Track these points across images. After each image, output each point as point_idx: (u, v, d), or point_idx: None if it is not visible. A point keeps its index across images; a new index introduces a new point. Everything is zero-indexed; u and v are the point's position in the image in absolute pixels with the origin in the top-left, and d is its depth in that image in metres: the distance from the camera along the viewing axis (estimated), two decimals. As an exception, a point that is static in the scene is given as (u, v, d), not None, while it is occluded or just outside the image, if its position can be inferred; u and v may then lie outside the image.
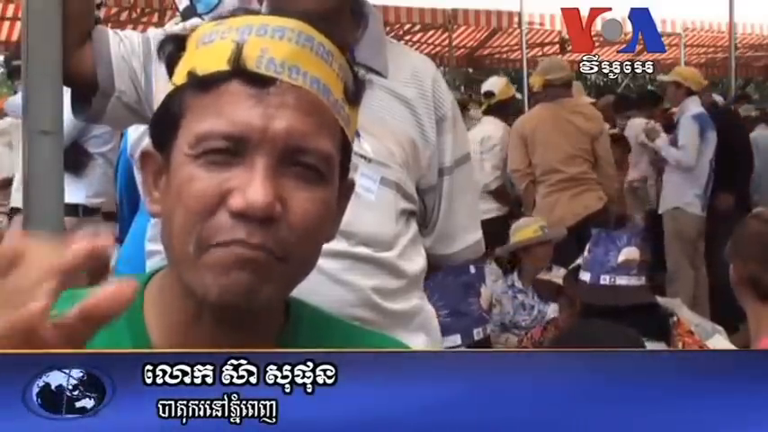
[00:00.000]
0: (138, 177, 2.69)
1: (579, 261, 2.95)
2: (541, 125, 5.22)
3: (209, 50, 0.86)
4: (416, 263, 1.63)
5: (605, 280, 2.81)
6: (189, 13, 2.38)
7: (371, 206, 1.53)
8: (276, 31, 0.86)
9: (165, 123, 0.88)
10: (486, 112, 6.03)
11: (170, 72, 0.90)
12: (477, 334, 2.56)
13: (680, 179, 5.74)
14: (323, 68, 0.87)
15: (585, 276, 2.81)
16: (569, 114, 5.27)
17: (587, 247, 2.86)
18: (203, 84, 0.85)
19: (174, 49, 0.90)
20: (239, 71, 0.83)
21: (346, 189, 0.94)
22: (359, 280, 1.51)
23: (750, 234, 2.23)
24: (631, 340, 2.27)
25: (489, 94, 6.04)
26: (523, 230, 4.63)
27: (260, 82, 0.83)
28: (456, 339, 2.52)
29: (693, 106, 5.88)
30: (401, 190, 1.59)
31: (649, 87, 10.86)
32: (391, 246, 1.57)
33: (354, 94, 0.92)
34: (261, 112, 0.83)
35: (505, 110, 6.06)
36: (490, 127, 5.83)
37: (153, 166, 0.91)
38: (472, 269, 2.56)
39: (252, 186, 0.81)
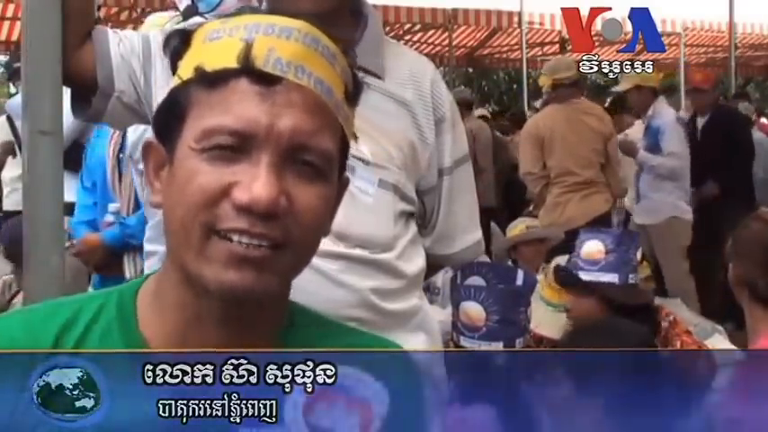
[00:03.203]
0: (136, 179, 2.70)
1: (578, 261, 2.92)
2: (558, 127, 5.18)
3: (217, 47, 0.87)
4: (415, 263, 1.63)
5: (633, 279, 2.82)
6: (190, 11, 2.39)
7: (369, 208, 1.53)
8: (283, 31, 0.87)
9: (170, 116, 0.89)
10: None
11: (173, 66, 0.91)
12: (519, 344, 2.56)
13: (672, 188, 5.60)
14: (327, 69, 0.88)
15: (612, 278, 2.78)
16: (582, 115, 5.26)
17: (606, 248, 2.82)
18: (211, 79, 0.86)
19: (179, 43, 0.91)
20: (248, 69, 0.85)
21: (341, 187, 0.95)
22: (358, 281, 1.51)
23: (749, 235, 2.22)
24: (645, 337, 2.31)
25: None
26: (513, 230, 4.68)
27: (267, 80, 0.85)
28: (498, 346, 2.52)
29: (665, 108, 5.76)
30: (399, 192, 1.58)
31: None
32: (390, 247, 1.56)
33: (354, 95, 0.94)
34: (267, 110, 0.84)
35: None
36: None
37: (156, 158, 0.92)
38: (520, 279, 2.55)
39: (257, 181, 0.83)
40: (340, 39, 0.91)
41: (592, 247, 2.83)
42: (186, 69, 0.89)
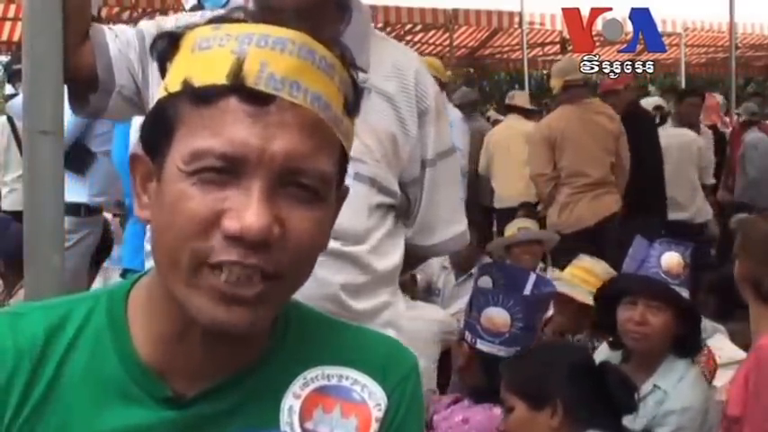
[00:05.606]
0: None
1: (658, 272, 2.61)
2: (570, 127, 5.16)
3: (206, 58, 0.82)
4: (389, 259, 1.63)
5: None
6: (196, 11, 2.38)
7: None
8: (277, 43, 0.81)
9: (157, 130, 0.84)
10: None
11: (162, 70, 0.87)
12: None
13: None
14: (324, 83, 0.83)
15: (685, 294, 2.60)
16: (594, 115, 5.24)
17: (685, 261, 2.58)
18: (199, 95, 0.80)
19: (166, 46, 0.86)
20: (238, 87, 0.80)
21: (341, 197, 0.92)
22: (328, 275, 1.50)
23: (756, 234, 2.24)
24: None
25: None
26: (507, 231, 4.69)
27: (259, 99, 0.79)
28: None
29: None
30: (377, 184, 1.58)
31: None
32: (362, 240, 1.56)
33: (354, 105, 0.88)
34: (259, 132, 0.79)
35: None
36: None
37: (142, 170, 0.87)
38: (531, 280, 2.54)
39: (248, 209, 0.78)
40: (329, 35, 0.86)
41: (673, 259, 2.59)
42: (173, 81, 0.83)
